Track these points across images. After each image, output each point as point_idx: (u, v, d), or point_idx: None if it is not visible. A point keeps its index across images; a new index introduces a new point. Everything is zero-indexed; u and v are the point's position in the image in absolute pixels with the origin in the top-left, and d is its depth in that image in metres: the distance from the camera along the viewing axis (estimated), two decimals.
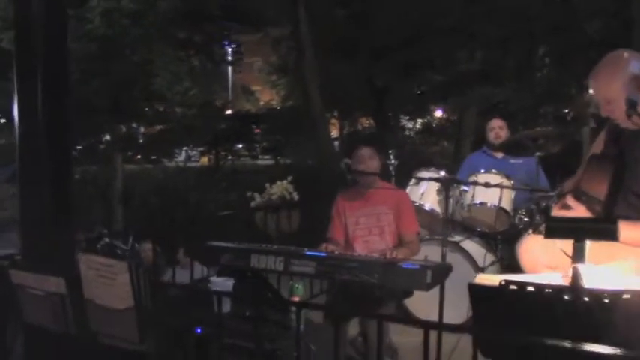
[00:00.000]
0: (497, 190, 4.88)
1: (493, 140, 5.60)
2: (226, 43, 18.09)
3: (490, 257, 4.94)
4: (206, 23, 13.42)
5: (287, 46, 18.19)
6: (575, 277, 1.91)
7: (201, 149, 19.86)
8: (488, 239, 5.15)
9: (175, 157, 18.71)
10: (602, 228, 1.98)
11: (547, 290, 1.96)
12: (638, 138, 2.57)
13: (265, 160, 20.55)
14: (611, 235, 1.95)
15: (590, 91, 2.62)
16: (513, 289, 2.01)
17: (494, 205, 4.87)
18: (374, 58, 14.10)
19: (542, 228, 2.19)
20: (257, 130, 20.09)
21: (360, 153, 3.83)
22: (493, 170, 5.00)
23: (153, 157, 15.64)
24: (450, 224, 5.04)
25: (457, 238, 4.93)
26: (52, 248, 2.91)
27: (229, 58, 19.88)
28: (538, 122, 9.64)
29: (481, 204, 4.91)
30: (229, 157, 19.31)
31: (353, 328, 3.82)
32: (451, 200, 5.06)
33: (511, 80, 9.94)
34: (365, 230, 3.86)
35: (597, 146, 2.93)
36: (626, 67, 2.51)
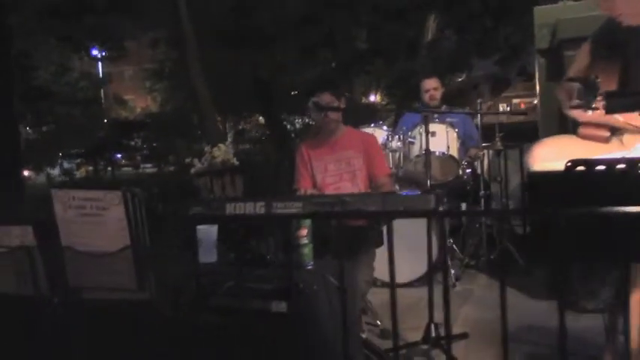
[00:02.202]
0: (445, 139, 4.81)
1: (428, 101, 5.54)
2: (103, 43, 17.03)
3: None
4: (88, 16, 12.48)
5: (167, 46, 17.44)
6: None
7: (77, 161, 18.37)
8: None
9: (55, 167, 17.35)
10: None
11: (619, 166, 1.81)
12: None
13: (149, 169, 19.60)
14: None
15: None
16: (581, 171, 1.84)
17: (443, 153, 4.79)
18: (262, 48, 13.77)
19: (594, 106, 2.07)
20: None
21: (323, 98, 3.59)
22: (436, 120, 4.93)
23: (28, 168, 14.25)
24: (398, 180, 4.92)
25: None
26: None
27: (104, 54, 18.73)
28: None
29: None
30: (109, 168, 18.10)
31: None
32: (398, 153, 4.95)
33: (412, 53, 10.06)
34: (336, 176, 3.64)
35: (583, 59, 2.87)
36: None
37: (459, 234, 5.29)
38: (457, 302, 4.18)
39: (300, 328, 2.18)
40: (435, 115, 4.97)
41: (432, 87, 5.59)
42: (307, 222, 2.49)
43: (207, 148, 4.91)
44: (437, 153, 4.79)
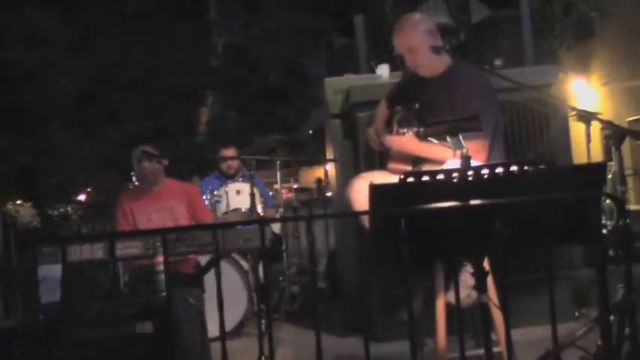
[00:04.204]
0: (248, 196, 5.13)
1: (226, 170, 5.80)
2: None
3: (246, 263, 5.13)
4: None
5: None
6: (465, 160, 2.28)
7: None
8: None
9: None
10: (469, 123, 2.41)
11: (439, 176, 2.28)
12: (434, 82, 3.11)
13: None
14: (476, 127, 2.39)
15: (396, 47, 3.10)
16: (411, 181, 2.29)
17: (249, 210, 5.08)
18: (29, 131, 12.93)
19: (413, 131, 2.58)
20: None
21: (148, 149, 3.76)
22: (240, 180, 5.28)
23: None
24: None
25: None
26: None
27: None
28: None
29: (235, 210, 5.08)
30: None
31: None
32: None
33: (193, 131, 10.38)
34: (158, 225, 3.73)
35: (382, 113, 3.44)
36: (421, 22, 3.11)
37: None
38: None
39: (167, 344, 2.28)
40: (239, 175, 5.30)
41: (229, 155, 5.89)
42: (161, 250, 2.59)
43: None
44: (242, 209, 5.09)
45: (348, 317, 4.94)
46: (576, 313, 4.26)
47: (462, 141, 2.34)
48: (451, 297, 2.90)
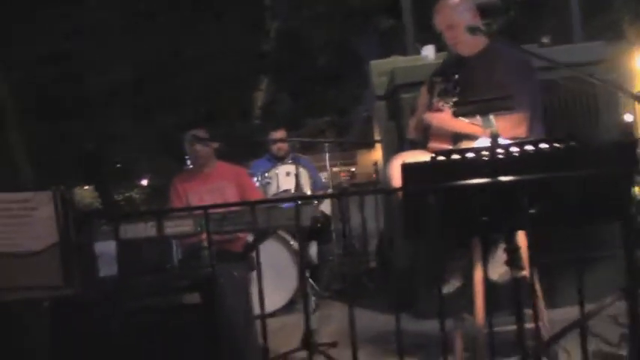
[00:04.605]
0: (299, 178, 5.28)
1: (276, 152, 5.94)
2: None
3: (296, 243, 5.28)
4: None
5: None
6: (494, 138, 2.34)
7: None
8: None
9: None
10: (501, 102, 2.46)
11: (469, 154, 2.35)
12: (473, 61, 3.16)
13: None
14: (508, 107, 2.44)
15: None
16: (442, 160, 2.36)
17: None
18: (89, 117, 13.44)
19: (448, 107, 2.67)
20: None
21: (200, 132, 3.94)
22: (289, 162, 5.42)
23: None
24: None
25: None
26: None
27: None
28: None
29: (284, 191, 5.24)
30: None
31: None
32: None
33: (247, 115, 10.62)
34: None
35: (423, 97, 3.49)
36: (461, 1, 3.13)
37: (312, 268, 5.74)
38: (320, 324, 4.60)
39: (213, 315, 2.44)
40: (289, 158, 5.46)
41: (279, 138, 6.04)
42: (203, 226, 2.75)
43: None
44: (292, 191, 5.24)
45: (393, 295, 5.04)
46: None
47: (492, 120, 2.40)
48: (489, 272, 2.98)
